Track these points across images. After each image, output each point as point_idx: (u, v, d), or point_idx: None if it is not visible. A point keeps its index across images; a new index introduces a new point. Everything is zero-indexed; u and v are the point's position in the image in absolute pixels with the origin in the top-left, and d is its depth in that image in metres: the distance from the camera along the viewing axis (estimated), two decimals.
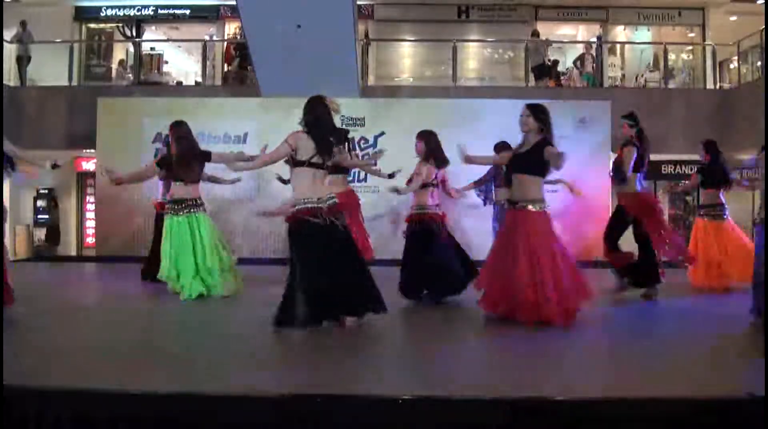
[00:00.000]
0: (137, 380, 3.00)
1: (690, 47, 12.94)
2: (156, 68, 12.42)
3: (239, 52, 11.59)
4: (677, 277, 6.38)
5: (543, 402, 2.79)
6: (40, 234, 11.50)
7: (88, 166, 11.47)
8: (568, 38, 13.93)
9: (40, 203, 11.58)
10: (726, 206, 6.55)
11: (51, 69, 11.29)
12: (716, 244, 6.38)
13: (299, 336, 4.05)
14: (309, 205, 4.10)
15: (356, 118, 9.41)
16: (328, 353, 3.73)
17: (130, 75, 11.64)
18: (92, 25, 13.43)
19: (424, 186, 5.42)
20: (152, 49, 12.80)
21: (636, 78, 12.49)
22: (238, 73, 11.49)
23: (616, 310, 5.34)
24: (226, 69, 12.08)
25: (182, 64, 13.48)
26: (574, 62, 12.02)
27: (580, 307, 4.36)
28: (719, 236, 6.43)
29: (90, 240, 11.81)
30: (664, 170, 11.37)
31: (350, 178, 9.02)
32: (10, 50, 10.91)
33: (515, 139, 4.77)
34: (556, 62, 12.00)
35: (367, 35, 12.35)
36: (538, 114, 4.47)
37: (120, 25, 13.21)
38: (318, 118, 4.20)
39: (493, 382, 3.17)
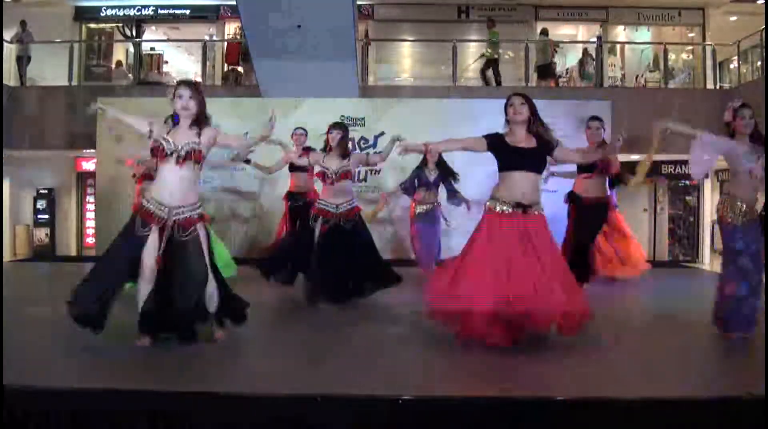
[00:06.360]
0: (138, 380, 3.00)
1: (690, 47, 12.93)
2: (156, 68, 12.42)
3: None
4: (677, 276, 6.36)
5: (543, 402, 2.79)
6: (40, 234, 11.51)
7: (88, 166, 11.46)
8: (568, 38, 13.93)
9: (40, 203, 11.57)
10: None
11: (51, 69, 11.26)
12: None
13: (299, 336, 4.04)
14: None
15: (356, 118, 9.39)
16: (325, 353, 3.72)
17: (130, 75, 11.64)
18: (92, 25, 13.43)
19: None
20: (152, 49, 12.78)
21: (636, 78, 12.47)
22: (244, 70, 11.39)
23: (614, 309, 5.33)
24: (226, 69, 12.06)
25: (182, 64, 13.47)
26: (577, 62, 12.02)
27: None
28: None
29: (90, 240, 11.80)
30: (664, 170, 11.39)
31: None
32: (10, 50, 10.89)
33: None
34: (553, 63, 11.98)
35: (367, 35, 12.34)
36: (531, 101, 4.00)
37: (120, 25, 13.21)
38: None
39: (493, 382, 3.17)
